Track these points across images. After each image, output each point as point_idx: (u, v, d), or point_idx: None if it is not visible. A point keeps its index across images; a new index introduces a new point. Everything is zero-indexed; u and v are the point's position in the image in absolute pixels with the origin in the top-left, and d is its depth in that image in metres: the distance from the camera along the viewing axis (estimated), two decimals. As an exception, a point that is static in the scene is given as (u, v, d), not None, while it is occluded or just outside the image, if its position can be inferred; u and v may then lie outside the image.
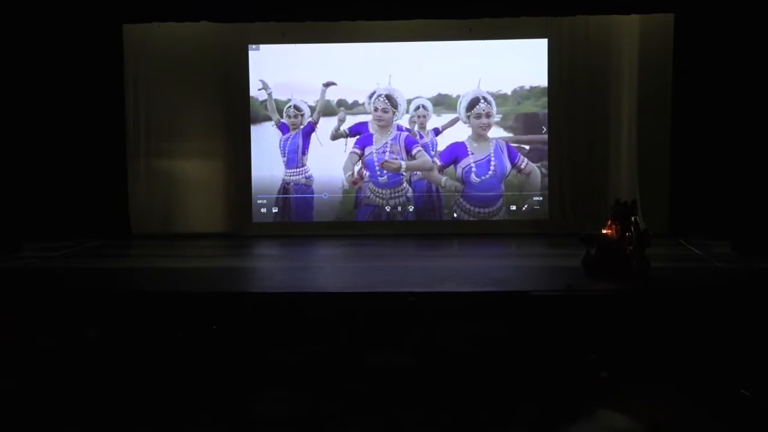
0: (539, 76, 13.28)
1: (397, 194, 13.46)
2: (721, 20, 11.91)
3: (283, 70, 13.47)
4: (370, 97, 13.39)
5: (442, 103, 13.37)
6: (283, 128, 13.51)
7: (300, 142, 13.46)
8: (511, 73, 13.31)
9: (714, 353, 6.50)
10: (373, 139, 13.44)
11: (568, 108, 13.26)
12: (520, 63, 13.31)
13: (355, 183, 13.41)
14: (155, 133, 13.54)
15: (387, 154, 13.40)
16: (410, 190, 13.43)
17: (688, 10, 12.27)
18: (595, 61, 13.18)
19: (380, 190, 13.46)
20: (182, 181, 13.47)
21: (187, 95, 13.40)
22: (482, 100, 13.28)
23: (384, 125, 13.39)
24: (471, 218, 13.34)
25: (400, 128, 13.39)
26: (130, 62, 13.39)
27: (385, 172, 13.44)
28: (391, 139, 13.41)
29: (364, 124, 13.47)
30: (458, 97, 13.32)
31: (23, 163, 12.56)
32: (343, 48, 13.41)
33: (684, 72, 12.52)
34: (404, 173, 13.38)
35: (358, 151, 13.44)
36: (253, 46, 13.51)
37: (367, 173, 13.42)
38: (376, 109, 13.38)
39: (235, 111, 13.51)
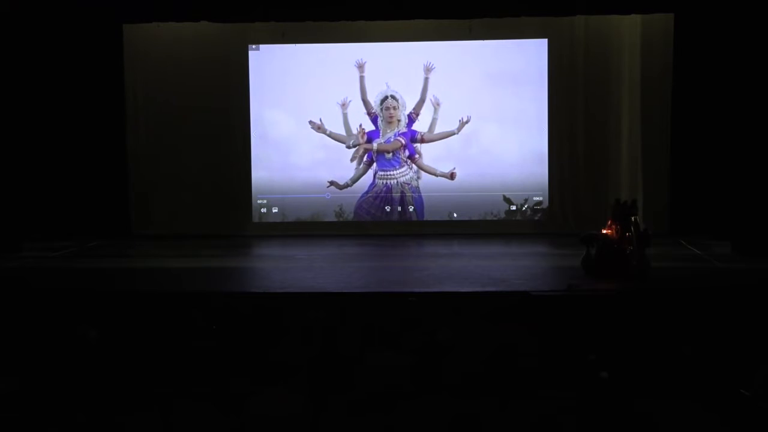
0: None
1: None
2: (721, 20, 11.92)
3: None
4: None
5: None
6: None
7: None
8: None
9: (714, 353, 6.50)
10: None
11: (567, 108, 13.26)
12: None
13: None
14: (155, 133, 13.54)
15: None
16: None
17: (688, 10, 12.27)
18: (595, 61, 13.19)
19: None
20: (182, 181, 13.47)
21: (187, 95, 13.40)
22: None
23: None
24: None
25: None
26: (130, 62, 13.38)
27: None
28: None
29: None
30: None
31: (23, 162, 12.58)
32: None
33: (684, 72, 12.53)
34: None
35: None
36: (253, 46, 13.51)
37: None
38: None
39: (236, 111, 13.51)
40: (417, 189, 13.51)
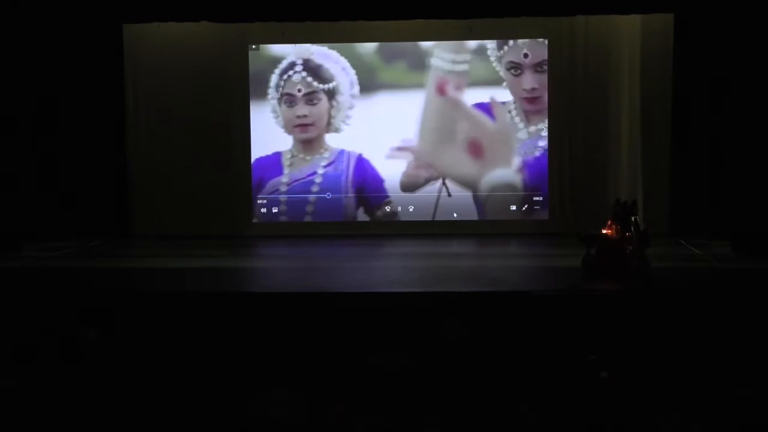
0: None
1: None
2: (721, 20, 11.92)
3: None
4: None
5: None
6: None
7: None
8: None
9: (713, 353, 6.51)
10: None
11: (568, 108, 13.26)
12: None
13: None
14: (155, 133, 13.52)
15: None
16: None
17: (688, 10, 12.27)
18: (595, 61, 13.18)
19: None
20: (182, 181, 13.46)
21: (186, 95, 13.39)
22: None
23: None
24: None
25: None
26: (130, 62, 13.38)
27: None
28: None
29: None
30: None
31: (23, 162, 12.57)
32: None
33: (684, 72, 12.52)
34: None
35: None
36: (253, 46, 13.51)
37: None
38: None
39: (235, 111, 13.50)
40: None
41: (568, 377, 6.02)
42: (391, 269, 10.65)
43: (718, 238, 11.73)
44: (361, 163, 13.50)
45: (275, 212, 13.62)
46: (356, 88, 13.42)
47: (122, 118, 13.36)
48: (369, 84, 13.42)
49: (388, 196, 13.49)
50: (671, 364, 6.28)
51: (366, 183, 13.51)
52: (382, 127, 13.37)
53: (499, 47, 13.26)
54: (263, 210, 13.62)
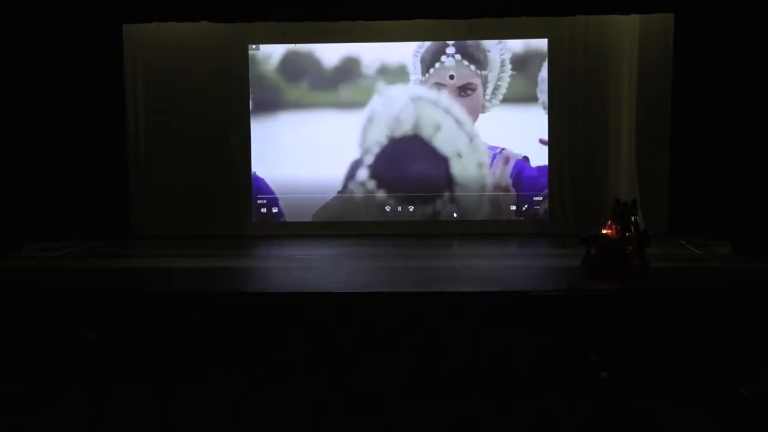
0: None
1: None
2: (721, 20, 11.91)
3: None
4: None
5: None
6: None
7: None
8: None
9: (713, 353, 6.51)
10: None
11: (568, 108, 13.26)
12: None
13: None
14: (155, 133, 13.54)
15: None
16: None
17: (688, 10, 12.27)
18: (595, 61, 13.18)
19: None
20: (182, 181, 13.46)
21: (187, 95, 13.40)
22: None
23: None
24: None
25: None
26: (130, 62, 13.39)
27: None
28: None
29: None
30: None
31: (24, 163, 12.57)
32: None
33: (684, 72, 12.52)
34: None
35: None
36: (253, 46, 13.52)
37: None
38: None
39: (235, 111, 13.51)
40: None
41: (568, 377, 6.03)
42: (391, 269, 10.65)
43: (718, 238, 11.73)
44: (256, 181, 13.57)
45: (275, 212, 13.64)
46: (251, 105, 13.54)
47: (122, 117, 13.36)
48: (271, 103, 13.50)
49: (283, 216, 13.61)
50: (671, 364, 6.28)
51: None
52: (284, 147, 13.48)
53: (424, 71, 13.29)
54: (263, 210, 13.63)
